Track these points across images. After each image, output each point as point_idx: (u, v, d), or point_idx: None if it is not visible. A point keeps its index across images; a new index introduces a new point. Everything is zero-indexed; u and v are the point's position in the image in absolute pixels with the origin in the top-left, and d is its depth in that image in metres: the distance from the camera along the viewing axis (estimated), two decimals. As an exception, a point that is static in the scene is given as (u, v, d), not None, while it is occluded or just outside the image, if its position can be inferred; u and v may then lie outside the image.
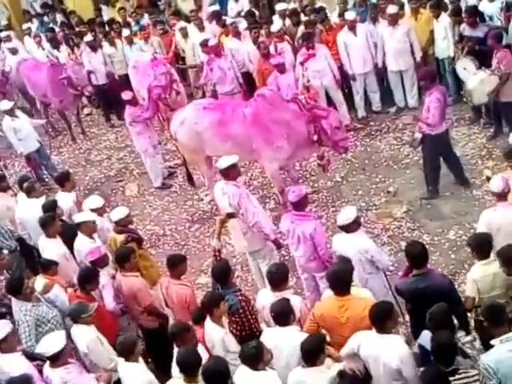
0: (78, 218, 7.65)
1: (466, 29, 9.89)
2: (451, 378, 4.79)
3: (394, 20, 10.61)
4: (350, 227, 6.50)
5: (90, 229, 7.50)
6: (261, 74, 10.89)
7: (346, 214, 6.58)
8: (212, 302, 5.91)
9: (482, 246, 5.86)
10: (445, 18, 10.43)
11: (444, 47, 10.51)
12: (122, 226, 7.67)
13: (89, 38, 13.06)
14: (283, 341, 5.56)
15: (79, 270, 6.90)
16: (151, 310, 6.89)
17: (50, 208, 7.91)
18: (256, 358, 5.20)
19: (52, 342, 5.77)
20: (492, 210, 6.61)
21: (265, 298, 6.14)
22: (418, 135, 8.77)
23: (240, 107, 9.16)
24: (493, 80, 8.96)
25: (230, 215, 7.27)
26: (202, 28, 12.50)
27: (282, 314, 5.62)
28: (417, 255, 5.84)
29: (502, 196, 6.56)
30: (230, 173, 7.48)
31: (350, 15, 10.93)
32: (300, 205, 6.94)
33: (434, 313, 5.23)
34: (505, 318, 5.02)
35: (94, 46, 12.91)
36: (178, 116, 9.48)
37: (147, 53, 11.90)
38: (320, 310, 5.85)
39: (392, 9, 10.67)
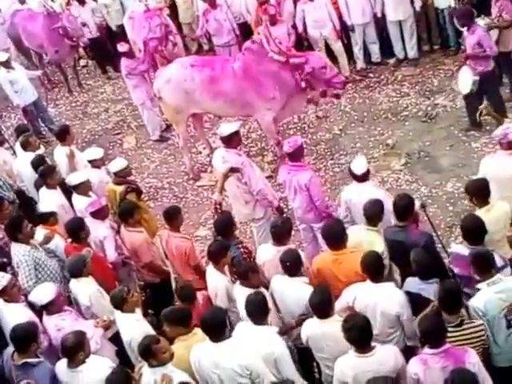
0: (72, 180, 7.55)
1: None
2: (458, 329, 4.81)
3: None
4: (366, 176, 6.53)
5: (85, 188, 7.47)
6: (259, 24, 10.71)
7: (362, 163, 6.61)
8: (219, 251, 5.98)
9: (479, 191, 5.84)
10: None
11: None
12: (121, 177, 7.68)
13: None
14: (290, 290, 5.61)
15: (65, 223, 6.86)
16: (152, 266, 6.93)
17: (38, 164, 7.91)
18: (260, 310, 5.23)
19: (43, 292, 5.86)
20: (490, 157, 6.61)
21: (265, 253, 6.15)
22: (476, 77, 8.43)
23: (228, 62, 9.07)
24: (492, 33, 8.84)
25: (235, 169, 7.18)
26: None
27: (294, 263, 5.61)
28: (400, 208, 5.85)
29: (503, 145, 6.45)
30: (231, 140, 7.35)
31: None
32: (295, 156, 6.92)
33: (415, 256, 5.31)
34: (491, 263, 5.08)
35: (81, 0, 12.70)
36: (162, 74, 9.28)
37: (143, 3, 11.69)
38: (316, 264, 5.91)
39: None
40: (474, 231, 5.43)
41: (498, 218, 5.70)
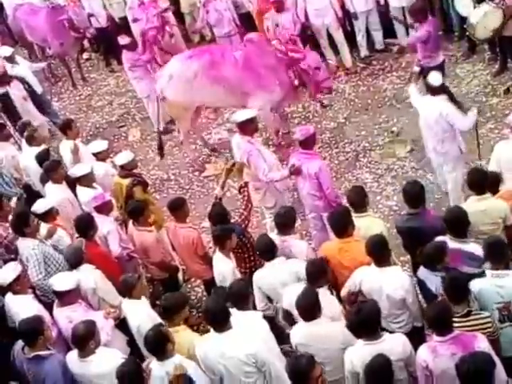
0: (75, 172, 7.54)
1: None
2: (464, 319, 4.79)
3: None
4: (438, 90, 7.00)
5: (88, 180, 7.46)
6: (261, 14, 10.67)
7: (437, 76, 7.08)
8: (224, 234, 6.03)
9: (474, 182, 5.86)
10: None
11: None
12: (127, 170, 7.68)
13: None
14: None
15: (74, 220, 6.86)
16: (162, 265, 6.94)
17: (43, 158, 7.92)
18: (242, 297, 5.31)
19: (64, 279, 5.94)
20: (504, 142, 6.60)
21: None
22: (417, 68, 8.68)
23: (229, 51, 9.06)
24: (498, 15, 8.78)
25: (234, 165, 7.21)
26: None
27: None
28: (413, 195, 5.87)
29: None
30: (246, 127, 7.34)
31: None
32: (307, 143, 6.96)
33: (426, 250, 5.29)
34: (506, 253, 5.06)
35: None
36: (162, 73, 9.24)
37: None
38: (323, 252, 5.95)
39: None
40: (454, 223, 5.43)
41: (487, 210, 5.68)
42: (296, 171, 6.93)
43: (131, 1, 11.64)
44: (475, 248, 5.35)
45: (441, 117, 6.96)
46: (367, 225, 5.89)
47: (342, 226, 5.77)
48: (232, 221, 6.60)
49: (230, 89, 8.81)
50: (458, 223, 5.41)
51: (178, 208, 6.74)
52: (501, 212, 5.70)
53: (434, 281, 5.21)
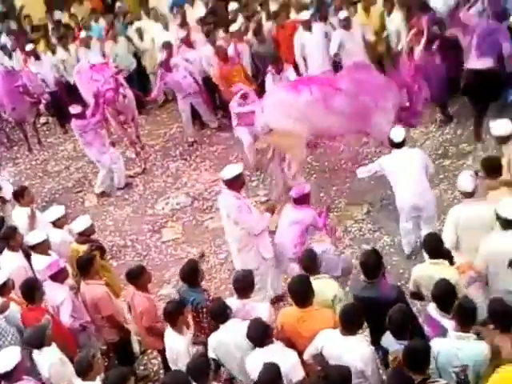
0: (30, 239, 7.40)
1: None
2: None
3: (348, 25, 10.66)
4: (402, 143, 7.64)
5: (44, 248, 7.32)
6: (222, 77, 10.82)
7: (399, 131, 7.66)
8: (175, 310, 5.90)
9: (432, 246, 5.91)
10: (397, 14, 10.73)
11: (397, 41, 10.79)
12: (85, 235, 7.56)
13: (29, 47, 12.93)
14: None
15: (20, 286, 6.67)
16: (112, 320, 6.78)
17: None
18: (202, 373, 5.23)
19: (4, 360, 5.61)
20: (460, 206, 6.66)
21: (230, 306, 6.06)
22: None
23: (338, 79, 8.97)
24: None
25: (201, 256, 7.31)
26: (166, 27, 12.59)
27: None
28: (369, 266, 5.84)
29: (470, 194, 6.57)
30: (234, 183, 7.33)
31: (304, 15, 10.93)
32: (301, 201, 7.40)
33: (392, 315, 5.24)
34: (475, 317, 5.10)
35: (36, 55, 12.76)
36: (264, 104, 8.86)
37: (95, 58, 11.75)
38: (281, 319, 5.87)
39: (343, 14, 10.72)
40: (442, 298, 5.38)
41: (437, 276, 5.61)
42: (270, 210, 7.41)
43: (80, 65, 11.79)
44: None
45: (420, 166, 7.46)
46: (320, 287, 5.84)
47: (302, 294, 5.71)
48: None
49: (345, 116, 8.64)
50: (446, 297, 5.36)
51: (136, 277, 6.60)
52: (451, 281, 5.66)
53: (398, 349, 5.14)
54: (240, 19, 11.92)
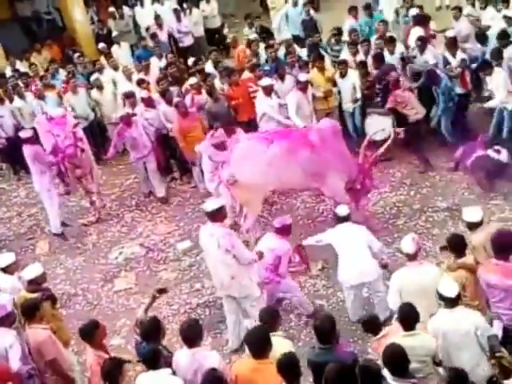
0: None
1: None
2: None
3: (304, 88, 10.86)
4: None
5: None
6: (181, 132, 10.85)
7: (344, 208, 8.02)
8: (115, 370, 5.77)
9: (406, 316, 5.86)
10: (352, 74, 11.14)
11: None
12: (36, 283, 7.39)
13: None
14: None
15: None
16: (54, 365, 6.58)
17: None
18: None
19: None
20: (404, 270, 6.75)
21: (181, 357, 6.03)
22: None
23: (305, 135, 9.15)
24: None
25: (162, 291, 7.14)
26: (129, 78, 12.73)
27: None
28: (323, 331, 5.81)
29: (413, 256, 6.71)
30: (217, 215, 7.42)
31: (265, 82, 10.94)
32: (282, 231, 7.94)
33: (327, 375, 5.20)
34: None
35: (1, 98, 12.65)
36: (232, 156, 9.06)
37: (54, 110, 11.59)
38: (235, 371, 5.81)
39: (303, 77, 10.93)
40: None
41: (415, 347, 5.59)
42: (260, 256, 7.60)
43: (39, 116, 11.67)
44: None
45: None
46: (274, 345, 5.76)
47: (260, 346, 5.68)
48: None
49: (306, 171, 8.84)
50: (398, 361, 5.27)
51: (89, 333, 6.36)
52: (430, 350, 5.75)
53: None
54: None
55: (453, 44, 11.00)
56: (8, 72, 14.66)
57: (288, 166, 8.81)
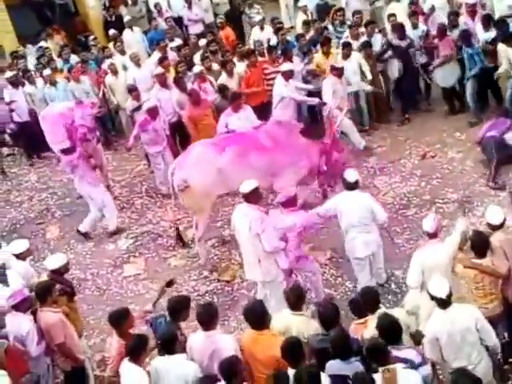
0: None
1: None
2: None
3: (339, 74, 10.90)
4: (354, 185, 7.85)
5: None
6: (192, 120, 10.85)
7: (352, 172, 7.88)
8: (140, 346, 5.88)
9: (367, 300, 6.06)
10: (355, 56, 11.29)
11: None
12: (59, 273, 7.37)
13: (9, 74, 12.86)
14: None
15: None
16: (63, 348, 6.66)
17: None
18: None
19: None
20: (422, 249, 6.81)
21: (195, 341, 6.10)
22: None
23: (256, 137, 9.18)
24: None
25: (170, 283, 7.18)
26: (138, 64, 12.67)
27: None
28: (327, 318, 5.94)
29: (433, 234, 6.77)
30: (252, 196, 7.51)
31: (285, 67, 10.95)
32: (288, 203, 7.62)
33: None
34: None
35: (16, 83, 12.69)
36: (185, 161, 8.99)
37: (60, 104, 11.60)
38: (240, 342, 6.06)
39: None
40: (387, 332, 5.53)
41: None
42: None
43: (45, 110, 11.46)
44: (409, 353, 5.46)
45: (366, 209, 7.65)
46: (298, 324, 5.99)
47: (257, 318, 5.92)
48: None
49: (259, 173, 8.73)
50: (391, 331, 5.50)
51: (118, 321, 6.33)
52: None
53: (353, 368, 5.32)
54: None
55: (487, 21, 11.30)
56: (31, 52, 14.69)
57: (241, 171, 8.72)
